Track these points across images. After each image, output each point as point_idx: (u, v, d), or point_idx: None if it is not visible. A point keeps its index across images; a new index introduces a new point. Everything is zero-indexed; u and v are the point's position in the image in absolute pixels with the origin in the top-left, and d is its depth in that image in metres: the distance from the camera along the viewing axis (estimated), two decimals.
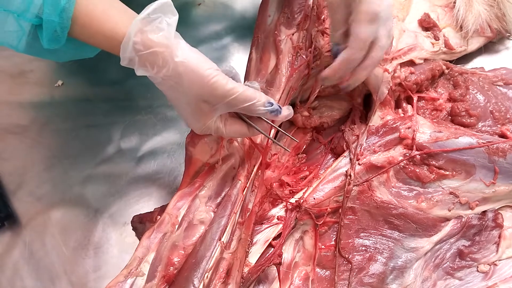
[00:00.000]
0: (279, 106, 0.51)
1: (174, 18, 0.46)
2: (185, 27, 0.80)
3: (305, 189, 0.60)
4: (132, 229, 0.63)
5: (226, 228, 0.52)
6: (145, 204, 0.67)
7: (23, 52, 0.47)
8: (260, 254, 0.55)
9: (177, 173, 0.69)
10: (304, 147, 0.67)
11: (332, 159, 0.64)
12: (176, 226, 0.53)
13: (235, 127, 0.52)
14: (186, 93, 0.47)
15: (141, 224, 0.61)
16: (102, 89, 0.75)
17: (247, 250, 0.55)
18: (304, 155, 0.66)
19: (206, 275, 0.49)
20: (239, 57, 0.78)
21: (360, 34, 0.50)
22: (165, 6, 0.45)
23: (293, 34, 0.64)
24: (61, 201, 0.67)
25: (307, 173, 0.63)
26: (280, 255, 0.55)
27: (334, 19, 0.54)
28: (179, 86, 0.46)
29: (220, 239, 0.51)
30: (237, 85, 0.47)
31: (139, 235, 0.62)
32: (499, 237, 0.60)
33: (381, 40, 0.52)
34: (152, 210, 0.62)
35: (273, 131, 0.60)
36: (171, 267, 0.50)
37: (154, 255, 0.51)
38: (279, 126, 0.58)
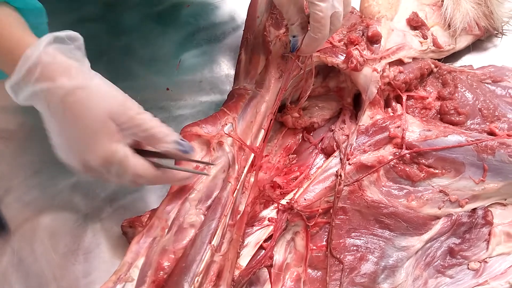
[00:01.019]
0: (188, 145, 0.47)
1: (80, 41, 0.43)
2: (174, 28, 0.80)
3: (296, 190, 0.60)
4: (123, 234, 0.63)
5: (216, 231, 0.52)
6: (136, 208, 0.66)
7: None
8: (251, 257, 0.55)
9: None
10: (295, 147, 0.67)
11: (323, 159, 0.64)
12: (166, 230, 0.52)
13: (142, 162, 0.46)
14: (94, 108, 0.41)
15: (131, 228, 0.60)
16: None
17: (238, 251, 0.55)
18: (295, 155, 0.66)
19: (196, 279, 0.48)
20: (228, 59, 0.78)
21: (318, 13, 0.51)
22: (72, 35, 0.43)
23: (283, 34, 0.64)
24: (50, 207, 0.66)
25: (298, 173, 0.63)
26: (271, 257, 0.55)
27: (289, 15, 0.55)
28: (89, 99, 0.41)
29: (210, 242, 0.51)
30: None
31: (130, 239, 0.62)
32: (489, 234, 0.60)
33: (338, 10, 0.53)
34: (142, 214, 0.61)
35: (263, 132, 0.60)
36: (161, 272, 0.49)
37: (143, 260, 0.50)
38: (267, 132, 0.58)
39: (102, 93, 0.42)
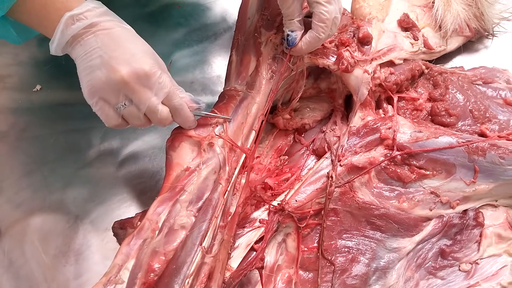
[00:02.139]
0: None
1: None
2: (165, 29, 0.79)
3: (287, 191, 0.60)
4: (113, 235, 0.62)
5: (207, 233, 0.52)
6: (127, 209, 0.66)
7: None
8: (242, 258, 0.55)
9: (159, 177, 0.68)
10: (286, 149, 0.67)
11: (314, 160, 0.64)
12: (157, 232, 0.52)
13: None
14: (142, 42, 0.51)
15: (122, 230, 0.60)
16: (81, 93, 0.74)
17: (229, 252, 0.55)
18: (286, 157, 0.65)
19: (187, 281, 0.48)
20: (219, 60, 0.78)
21: (325, 14, 0.54)
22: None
23: (275, 34, 0.64)
24: (40, 208, 0.66)
25: (289, 175, 0.63)
26: (262, 259, 0.55)
27: (290, 10, 0.57)
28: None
29: (201, 244, 0.51)
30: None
31: (121, 241, 0.61)
32: (480, 235, 0.61)
33: (338, 16, 0.56)
34: (133, 215, 0.61)
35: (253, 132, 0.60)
36: (152, 274, 0.49)
37: (134, 262, 0.50)
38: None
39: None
